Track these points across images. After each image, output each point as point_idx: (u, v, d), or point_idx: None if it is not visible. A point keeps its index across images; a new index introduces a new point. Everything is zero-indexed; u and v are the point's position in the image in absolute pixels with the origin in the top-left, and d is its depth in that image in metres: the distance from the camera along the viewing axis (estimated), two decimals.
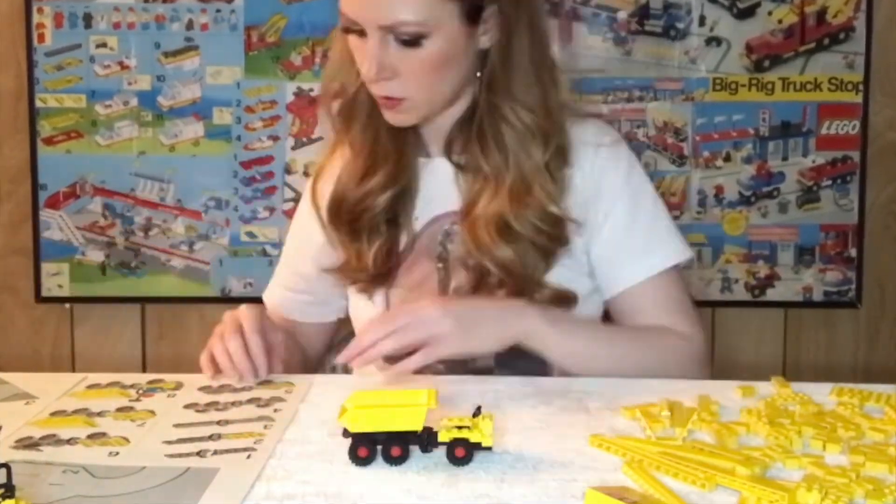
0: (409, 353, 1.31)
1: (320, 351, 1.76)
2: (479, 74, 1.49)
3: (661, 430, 1.19)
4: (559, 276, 1.52)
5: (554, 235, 1.50)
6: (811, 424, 1.19)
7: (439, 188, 1.56)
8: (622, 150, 1.60)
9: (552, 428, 1.22)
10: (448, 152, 1.57)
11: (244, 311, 1.46)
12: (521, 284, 1.48)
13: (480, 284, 1.50)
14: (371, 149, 1.54)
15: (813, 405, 1.28)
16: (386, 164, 1.53)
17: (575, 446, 1.14)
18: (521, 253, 1.47)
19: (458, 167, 1.55)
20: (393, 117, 1.48)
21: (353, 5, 1.40)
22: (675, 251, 1.58)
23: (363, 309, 1.61)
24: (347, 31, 1.43)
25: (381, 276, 1.56)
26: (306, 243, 1.68)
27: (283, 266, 1.76)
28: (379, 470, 1.06)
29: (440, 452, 1.06)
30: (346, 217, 1.55)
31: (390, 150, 1.54)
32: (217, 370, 1.42)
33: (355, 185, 1.54)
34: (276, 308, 1.72)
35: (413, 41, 1.38)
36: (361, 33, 1.41)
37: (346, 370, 1.66)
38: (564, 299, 1.52)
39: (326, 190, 1.59)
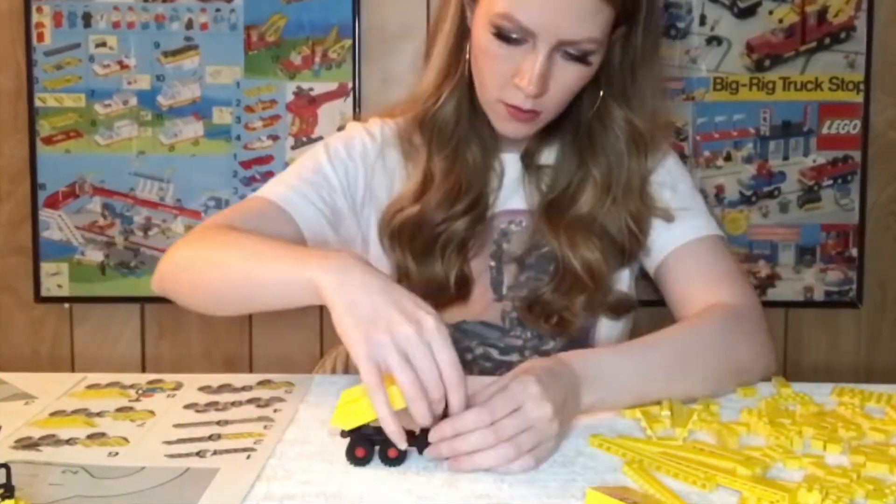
0: None
1: None
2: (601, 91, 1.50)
3: (661, 431, 1.20)
4: (622, 280, 1.56)
5: (638, 241, 1.53)
6: (812, 425, 1.20)
7: (504, 186, 1.56)
8: (677, 157, 1.66)
9: None
10: (524, 153, 1.56)
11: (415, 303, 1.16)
12: (596, 286, 1.49)
13: (560, 281, 1.50)
14: (459, 175, 1.52)
15: (813, 405, 1.28)
16: (474, 189, 1.52)
17: (575, 446, 1.15)
18: (606, 256, 1.50)
19: (537, 168, 1.55)
20: (514, 128, 1.46)
21: (537, 15, 1.33)
22: (715, 225, 1.61)
23: None
24: (502, 37, 1.37)
25: (459, 297, 1.54)
26: (343, 186, 1.57)
27: (308, 183, 1.54)
28: (379, 470, 1.07)
29: None
30: (420, 240, 1.51)
31: (475, 175, 1.53)
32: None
33: (438, 209, 1.50)
34: (277, 198, 1.52)
35: (582, 57, 1.38)
36: (516, 43, 1.37)
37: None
38: (626, 305, 1.56)
39: (395, 210, 1.54)
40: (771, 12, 2.54)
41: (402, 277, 1.51)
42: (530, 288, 1.53)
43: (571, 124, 1.52)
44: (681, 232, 1.55)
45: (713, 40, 2.55)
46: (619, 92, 1.49)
